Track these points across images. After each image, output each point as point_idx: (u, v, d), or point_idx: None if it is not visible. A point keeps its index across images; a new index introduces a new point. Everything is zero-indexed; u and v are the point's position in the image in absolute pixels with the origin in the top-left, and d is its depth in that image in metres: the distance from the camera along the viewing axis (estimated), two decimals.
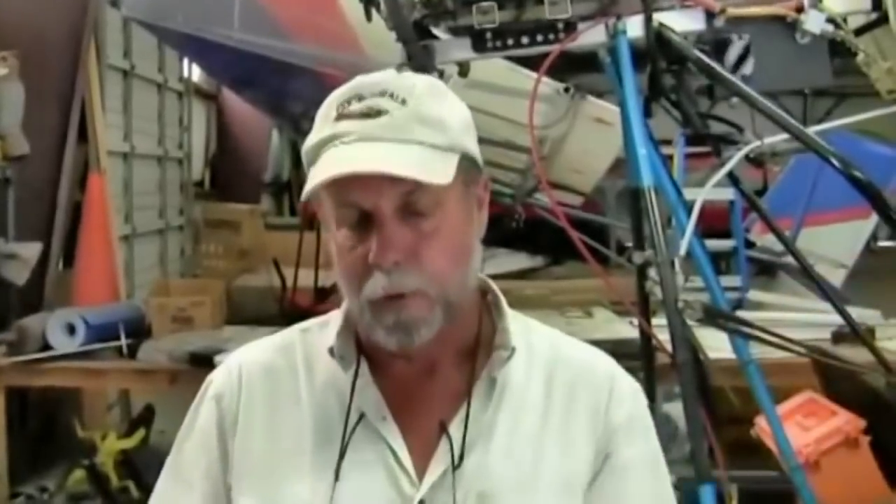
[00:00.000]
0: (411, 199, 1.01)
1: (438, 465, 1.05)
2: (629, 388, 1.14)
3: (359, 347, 1.11)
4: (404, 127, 1.01)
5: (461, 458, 1.04)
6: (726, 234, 4.58)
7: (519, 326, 1.13)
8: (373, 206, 1.01)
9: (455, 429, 1.06)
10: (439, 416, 1.07)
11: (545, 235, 4.99)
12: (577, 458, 1.07)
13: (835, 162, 2.07)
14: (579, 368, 1.13)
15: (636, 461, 1.10)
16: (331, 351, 1.10)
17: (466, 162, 1.06)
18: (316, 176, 1.00)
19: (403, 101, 1.02)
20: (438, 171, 1.00)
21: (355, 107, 1.02)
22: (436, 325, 1.03)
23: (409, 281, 1.01)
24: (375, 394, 1.09)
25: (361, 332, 1.10)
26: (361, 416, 1.07)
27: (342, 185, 1.00)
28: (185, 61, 7.53)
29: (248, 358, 1.17)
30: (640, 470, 1.10)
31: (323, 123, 1.05)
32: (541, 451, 1.06)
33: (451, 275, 1.04)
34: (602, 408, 1.10)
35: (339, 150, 1.00)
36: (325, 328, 1.14)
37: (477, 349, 1.10)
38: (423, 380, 1.10)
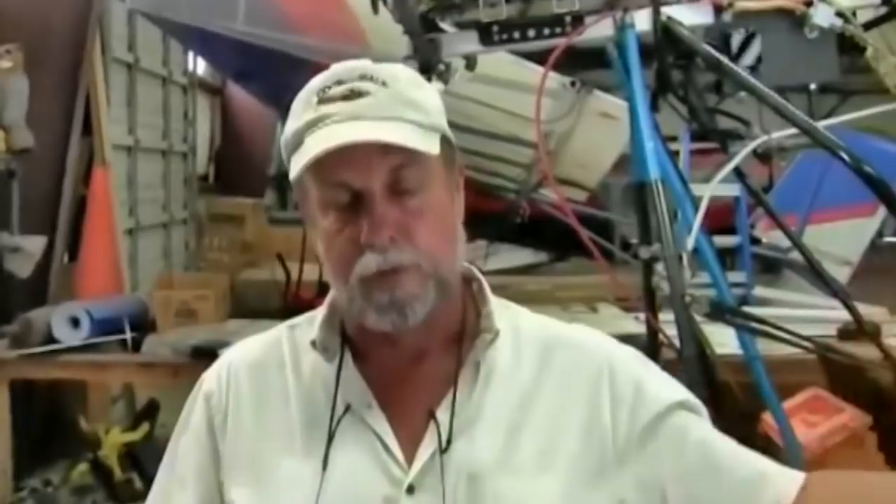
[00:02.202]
0: (399, 175, 1.02)
1: (426, 449, 1.05)
2: (627, 356, 1.13)
3: (343, 338, 1.12)
4: (388, 106, 1.02)
5: (448, 441, 1.04)
6: (730, 231, 4.56)
7: (505, 312, 1.13)
8: (362, 184, 1.01)
9: (442, 413, 1.06)
10: (426, 402, 1.07)
11: (549, 231, 4.98)
12: (564, 439, 1.06)
13: (844, 157, 2.07)
14: (575, 347, 1.12)
15: (673, 414, 1.06)
16: (313, 343, 1.11)
17: (446, 143, 1.07)
18: (305, 155, 1.01)
19: (384, 84, 1.04)
20: (426, 144, 1.02)
21: (336, 90, 1.03)
22: (429, 301, 1.03)
23: (404, 256, 1.02)
24: (360, 383, 1.09)
25: (350, 319, 1.11)
26: (348, 407, 1.08)
27: (330, 166, 1.01)
28: (190, 55, 7.51)
29: (236, 356, 1.18)
30: (683, 417, 1.06)
31: (303, 110, 1.05)
32: (528, 432, 1.06)
33: (442, 251, 1.05)
34: (605, 387, 1.08)
35: (325, 131, 1.01)
36: (313, 323, 1.14)
37: (463, 336, 1.11)
38: (408, 368, 1.10)
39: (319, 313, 1.14)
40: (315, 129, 1.02)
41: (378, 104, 1.02)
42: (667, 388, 1.10)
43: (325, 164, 1.00)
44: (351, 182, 1.01)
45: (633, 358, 1.13)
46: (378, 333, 1.06)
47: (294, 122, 1.05)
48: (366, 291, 1.03)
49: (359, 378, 1.10)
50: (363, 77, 1.04)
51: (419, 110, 1.04)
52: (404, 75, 1.07)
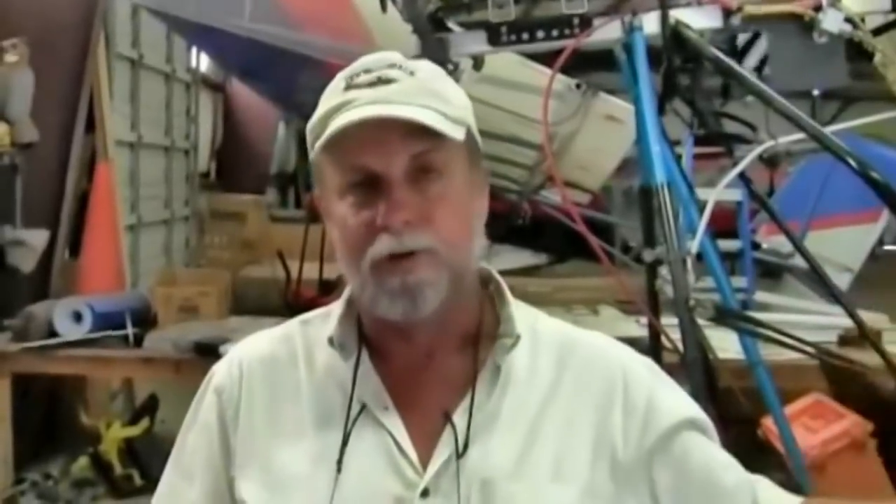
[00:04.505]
0: (420, 161, 1.01)
1: (442, 453, 1.04)
2: (642, 368, 1.13)
3: (360, 336, 1.11)
4: (415, 94, 1.02)
5: (465, 446, 1.03)
6: (732, 236, 4.57)
7: (523, 314, 1.12)
8: (383, 168, 1.00)
9: (459, 417, 1.05)
10: (442, 404, 1.06)
11: (549, 233, 4.98)
12: (576, 446, 1.06)
13: (852, 163, 2.07)
14: (591, 354, 1.12)
15: (683, 432, 1.07)
16: (330, 340, 1.09)
17: (471, 140, 1.07)
18: (328, 132, 1.00)
19: (412, 73, 1.04)
20: (452, 131, 1.02)
21: (364, 78, 1.03)
22: (442, 290, 1.02)
23: (420, 239, 1.01)
24: (377, 383, 1.08)
25: (364, 311, 1.09)
26: (363, 406, 1.07)
27: (351, 149, 1.00)
28: (193, 51, 7.52)
29: (249, 350, 1.16)
30: (692, 437, 1.07)
31: (330, 96, 1.05)
32: (542, 438, 1.06)
33: (458, 239, 1.04)
34: (618, 397, 1.08)
35: (349, 113, 1.00)
36: (327, 319, 1.13)
37: (479, 338, 1.10)
38: (424, 368, 1.09)
39: (335, 310, 1.12)
40: (339, 112, 1.01)
41: (405, 91, 1.01)
42: (678, 404, 1.10)
43: (346, 148, 1.00)
44: (371, 165, 1.01)
45: (647, 369, 1.13)
46: (393, 328, 1.06)
47: (320, 109, 1.05)
48: (377, 277, 1.01)
49: (375, 378, 1.08)
50: (392, 66, 1.03)
51: (446, 102, 1.03)
52: (432, 68, 1.08)
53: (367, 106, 1.00)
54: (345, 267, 1.06)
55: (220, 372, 1.16)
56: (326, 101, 1.04)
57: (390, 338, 1.09)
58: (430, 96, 1.02)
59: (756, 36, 2.59)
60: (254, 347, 1.17)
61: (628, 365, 1.11)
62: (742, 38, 2.68)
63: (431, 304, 1.02)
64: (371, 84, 1.02)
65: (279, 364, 1.13)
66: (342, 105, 1.01)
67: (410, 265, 1.01)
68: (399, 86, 1.01)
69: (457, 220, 1.04)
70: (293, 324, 1.18)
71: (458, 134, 1.02)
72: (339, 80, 1.05)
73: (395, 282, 1.01)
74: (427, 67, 1.07)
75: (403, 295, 1.01)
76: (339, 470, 1.04)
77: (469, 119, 1.07)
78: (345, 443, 1.05)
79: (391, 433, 1.05)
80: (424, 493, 1.03)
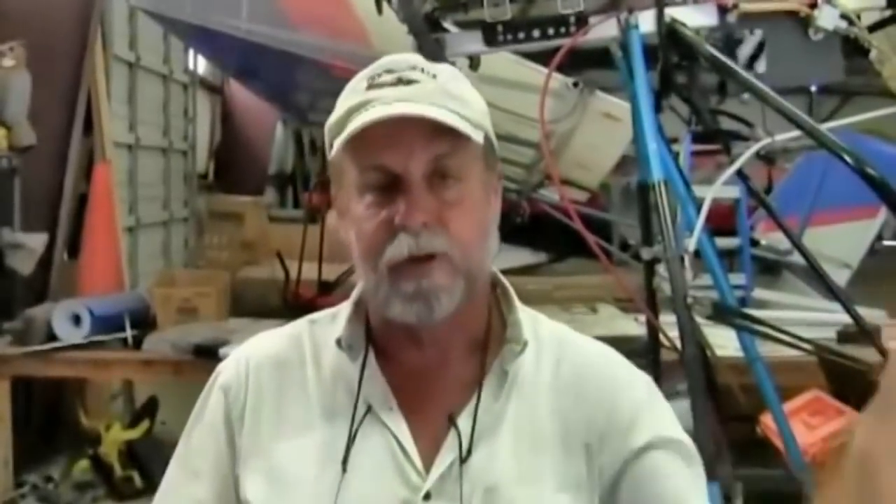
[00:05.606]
0: (441, 164, 1.02)
1: (446, 457, 1.04)
2: (637, 382, 1.12)
3: (368, 337, 1.11)
4: (436, 96, 1.02)
5: (469, 450, 1.03)
6: (730, 233, 4.57)
7: (527, 319, 1.13)
8: (403, 168, 1.01)
9: (463, 421, 1.05)
10: (447, 407, 1.06)
11: (548, 231, 4.98)
12: (574, 454, 1.06)
13: (848, 159, 2.07)
14: (585, 363, 1.12)
15: (658, 451, 1.06)
16: (338, 341, 1.10)
17: (487, 144, 1.08)
18: (349, 129, 1.00)
19: (434, 76, 1.04)
20: (472, 134, 1.02)
21: (386, 78, 1.04)
22: (457, 295, 1.03)
23: (436, 243, 1.01)
24: (382, 384, 1.08)
25: (374, 313, 1.10)
26: (368, 408, 1.07)
27: (372, 148, 1.01)
28: (191, 53, 7.53)
29: (256, 349, 1.17)
30: (665, 457, 1.06)
31: (351, 95, 1.05)
32: (544, 444, 1.06)
33: (474, 244, 1.05)
34: (607, 405, 1.08)
35: (375, 110, 1.01)
36: (335, 320, 1.13)
37: (487, 342, 1.10)
38: (432, 371, 1.09)
39: (343, 310, 1.13)
40: (361, 111, 1.01)
41: (427, 92, 1.02)
42: (662, 423, 1.09)
43: (367, 147, 1.01)
44: (392, 165, 1.01)
45: (639, 384, 1.12)
46: (403, 331, 1.06)
47: (341, 107, 1.05)
48: (393, 279, 1.02)
49: (381, 379, 1.09)
50: (413, 68, 1.04)
51: (466, 105, 1.04)
52: (452, 72, 1.08)
53: (389, 105, 1.00)
54: (360, 266, 1.06)
55: (226, 370, 1.16)
56: (347, 100, 1.05)
57: (399, 340, 1.09)
58: (451, 99, 1.03)
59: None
60: (261, 346, 1.17)
61: (623, 377, 1.12)
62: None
63: (446, 308, 1.02)
64: (393, 84, 1.02)
65: (286, 363, 1.14)
66: (364, 104, 1.02)
67: (427, 269, 1.01)
68: (421, 87, 1.02)
69: (472, 225, 1.04)
70: (301, 323, 1.18)
71: (477, 137, 1.03)
72: (359, 79, 1.06)
73: (411, 286, 1.01)
74: (448, 71, 1.07)
75: (418, 299, 1.02)
76: (344, 470, 1.04)
77: (486, 123, 1.08)
78: (350, 443, 1.06)
79: (395, 434, 1.06)
80: (427, 497, 1.03)
